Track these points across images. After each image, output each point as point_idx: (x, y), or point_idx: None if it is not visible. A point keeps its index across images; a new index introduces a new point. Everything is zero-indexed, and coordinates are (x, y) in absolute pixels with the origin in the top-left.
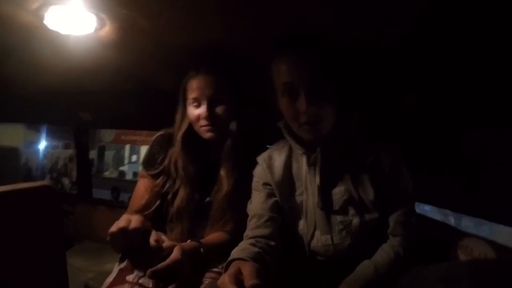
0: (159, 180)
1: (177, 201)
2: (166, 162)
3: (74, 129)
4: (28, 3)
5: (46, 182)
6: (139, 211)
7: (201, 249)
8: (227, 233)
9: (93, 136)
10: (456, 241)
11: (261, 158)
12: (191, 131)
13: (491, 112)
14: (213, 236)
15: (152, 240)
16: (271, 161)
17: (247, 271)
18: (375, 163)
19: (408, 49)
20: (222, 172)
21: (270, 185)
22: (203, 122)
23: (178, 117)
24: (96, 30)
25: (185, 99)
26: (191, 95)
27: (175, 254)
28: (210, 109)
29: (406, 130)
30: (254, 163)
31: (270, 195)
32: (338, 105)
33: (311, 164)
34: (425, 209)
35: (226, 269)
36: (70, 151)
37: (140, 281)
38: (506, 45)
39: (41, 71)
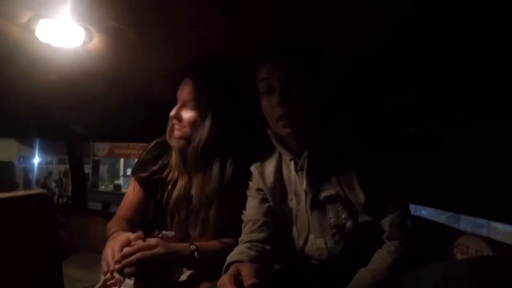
0: (151, 189)
1: (176, 191)
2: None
3: (67, 142)
4: (18, 17)
5: (43, 190)
6: (126, 220)
7: (192, 246)
8: (220, 242)
9: (87, 150)
10: (453, 240)
11: (253, 165)
12: None
13: (478, 110)
14: (207, 242)
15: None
16: (262, 168)
17: (246, 271)
18: (363, 166)
19: (391, 50)
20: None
21: (263, 190)
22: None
23: None
24: (85, 42)
25: None
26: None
27: (158, 248)
28: (179, 111)
29: (394, 131)
30: (243, 171)
31: (264, 200)
32: (314, 105)
33: (298, 169)
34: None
35: (225, 271)
36: (64, 166)
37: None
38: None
39: (33, 84)
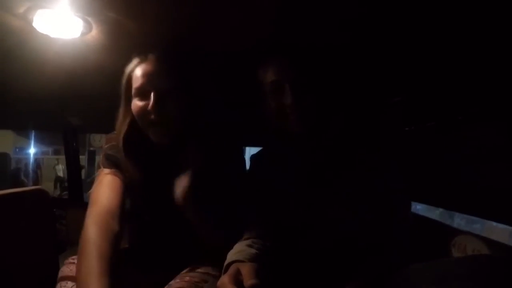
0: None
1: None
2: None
3: (63, 134)
4: (15, 7)
5: (39, 186)
6: (112, 215)
7: None
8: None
9: (83, 141)
10: (450, 238)
11: (254, 161)
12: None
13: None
14: None
15: None
16: (263, 163)
17: (246, 271)
18: (364, 165)
19: (390, 50)
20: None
21: (264, 186)
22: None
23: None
24: (83, 34)
25: (129, 92)
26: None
27: None
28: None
29: (393, 131)
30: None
31: (265, 195)
32: (320, 102)
33: (299, 165)
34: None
35: (224, 271)
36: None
37: None
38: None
39: (30, 75)
